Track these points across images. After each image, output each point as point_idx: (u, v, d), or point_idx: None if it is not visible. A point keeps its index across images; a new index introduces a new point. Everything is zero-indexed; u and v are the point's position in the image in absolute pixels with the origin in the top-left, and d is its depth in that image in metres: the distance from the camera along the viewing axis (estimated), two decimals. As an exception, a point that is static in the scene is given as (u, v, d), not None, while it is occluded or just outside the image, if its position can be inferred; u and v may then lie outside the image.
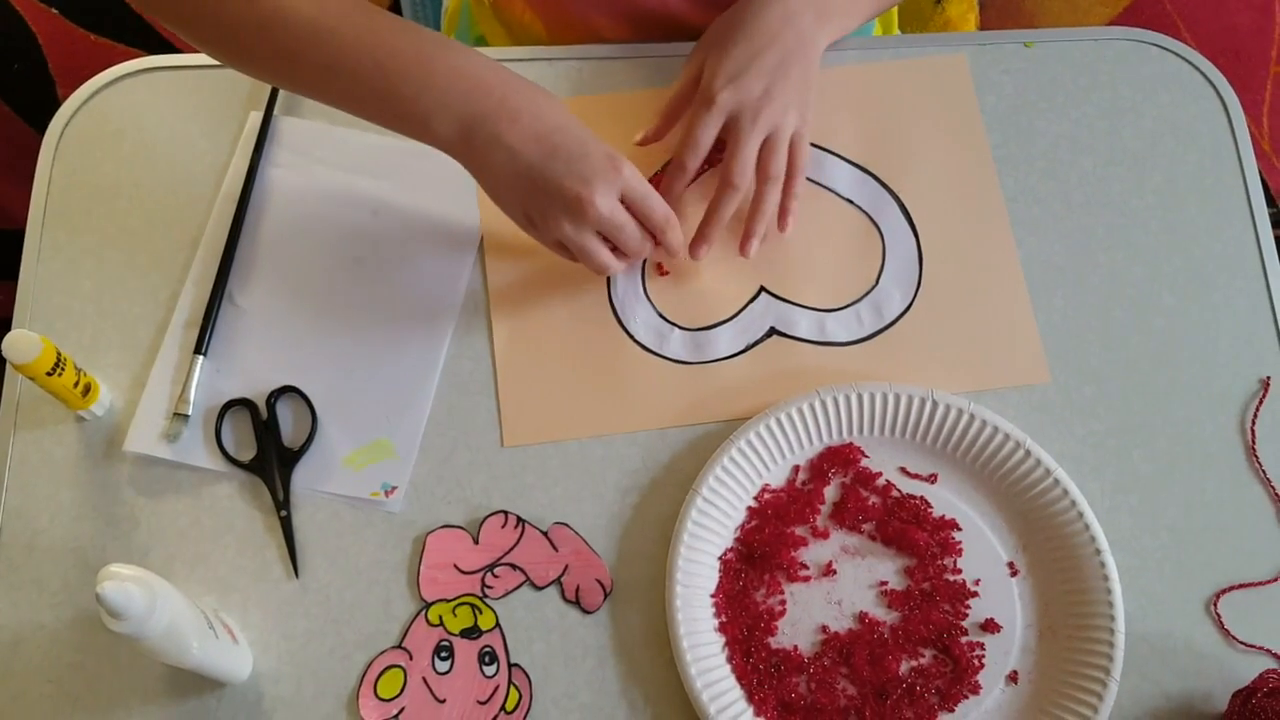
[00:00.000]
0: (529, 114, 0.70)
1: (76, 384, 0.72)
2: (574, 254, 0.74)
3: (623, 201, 0.72)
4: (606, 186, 0.70)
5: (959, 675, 0.73)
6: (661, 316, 0.81)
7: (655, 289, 0.82)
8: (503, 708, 0.71)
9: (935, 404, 0.77)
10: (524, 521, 0.75)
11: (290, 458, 0.75)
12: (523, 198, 0.72)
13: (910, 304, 0.82)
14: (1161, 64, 0.91)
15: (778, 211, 0.81)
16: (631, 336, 0.80)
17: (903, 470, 0.78)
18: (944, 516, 0.77)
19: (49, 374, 0.69)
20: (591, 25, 0.91)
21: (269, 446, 0.76)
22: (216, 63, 0.86)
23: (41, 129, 0.84)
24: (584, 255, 0.74)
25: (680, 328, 0.81)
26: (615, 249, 0.75)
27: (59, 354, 0.70)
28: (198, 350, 0.77)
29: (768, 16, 0.79)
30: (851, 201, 0.85)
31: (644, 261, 0.83)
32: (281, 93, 0.85)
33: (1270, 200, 1.56)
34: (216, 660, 0.66)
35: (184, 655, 0.62)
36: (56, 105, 0.85)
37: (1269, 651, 0.75)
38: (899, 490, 0.77)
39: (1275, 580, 0.77)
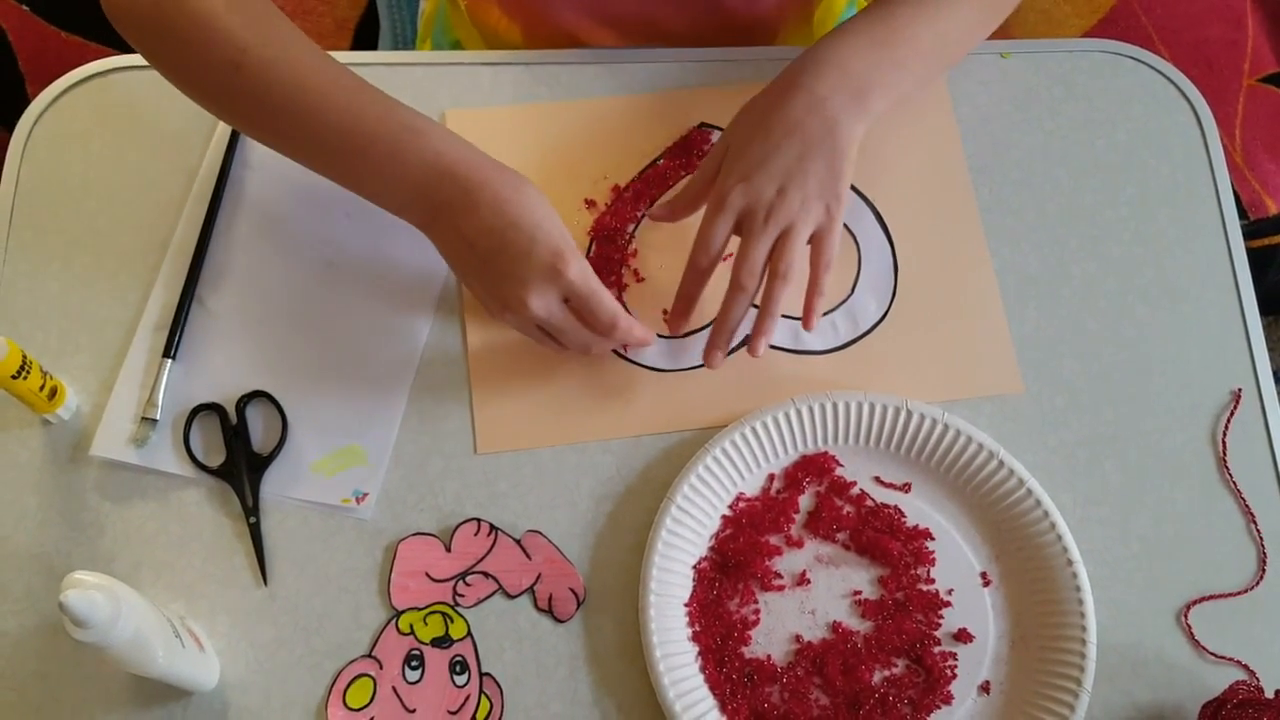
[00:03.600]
0: (488, 206, 0.70)
1: (42, 387, 0.71)
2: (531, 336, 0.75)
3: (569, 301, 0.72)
4: (543, 289, 0.70)
5: (931, 685, 0.73)
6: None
7: (632, 296, 0.82)
8: (474, 717, 0.71)
9: (910, 413, 0.77)
10: (497, 529, 0.75)
11: (260, 463, 0.75)
12: (474, 285, 0.74)
13: (885, 313, 0.82)
14: (1136, 76, 0.91)
15: (804, 308, 0.75)
16: (607, 343, 0.80)
17: (877, 479, 0.78)
18: (917, 526, 0.77)
19: (14, 377, 0.68)
20: (569, 31, 0.91)
21: (238, 452, 0.75)
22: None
23: (10, 127, 0.82)
24: (534, 339, 0.75)
25: (656, 335, 0.81)
26: None
27: (25, 356, 0.69)
28: (166, 354, 0.76)
29: (791, 105, 0.74)
30: (828, 210, 0.85)
31: (620, 267, 0.82)
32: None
33: (1242, 213, 1.57)
34: (182, 669, 0.65)
35: (149, 664, 0.61)
36: (25, 103, 0.83)
37: (1239, 663, 0.76)
38: (873, 499, 0.77)
39: (1245, 591, 0.77)
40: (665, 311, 0.81)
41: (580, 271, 0.70)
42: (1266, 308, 0.86)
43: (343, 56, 0.86)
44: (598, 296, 0.71)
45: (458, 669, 0.72)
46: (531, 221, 0.70)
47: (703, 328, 0.81)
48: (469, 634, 0.73)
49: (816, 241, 0.75)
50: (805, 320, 0.75)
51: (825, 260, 0.75)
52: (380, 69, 0.86)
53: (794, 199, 0.73)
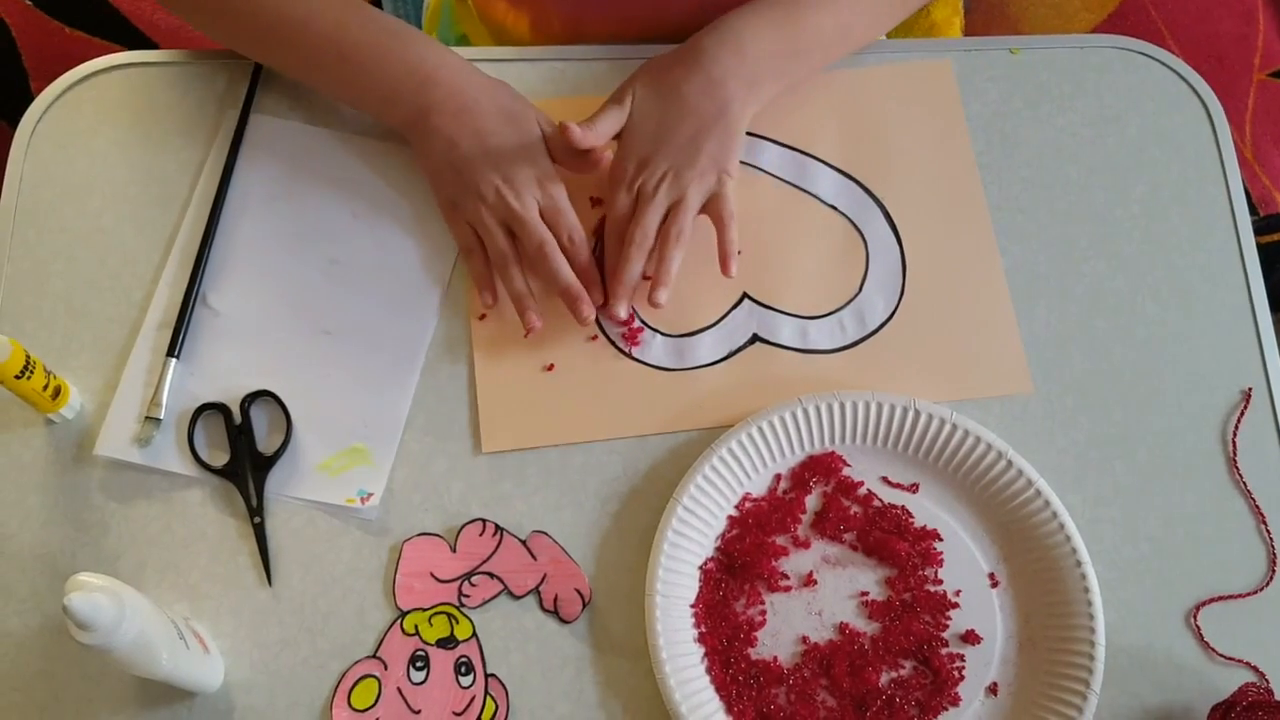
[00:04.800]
0: (472, 112, 0.77)
1: (46, 387, 0.71)
2: (480, 236, 0.78)
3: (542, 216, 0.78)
4: (525, 192, 0.77)
5: (939, 687, 0.73)
6: (643, 322, 0.80)
7: (637, 294, 0.81)
8: (479, 719, 0.70)
9: (917, 413, 0.76)
10: (502, 530, 0.74)
11: (264, 463, 0.74)
12: (451, 183, 0.78)
13: (893, 312, 0.82)
14: (1146, 72, 0.90)
15: (719, 257, 0.78)
16: (613, 342, 0.80)
17: (884, 480, 0.77)
18: (925, 527, 0.76)
19: (18, 377, 0.68)
20: (576, 23, 0.90)
21: (242, 451, 0.74)
22: (193, 60, 0.85)
23: (13, 124, 0.82)
24: (488, 238, 0.78)
25: (662, 334, 0.80)
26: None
27: (28, 356, 0.69)
28: (170, 353, 0.76)
29: (689, 85, 0.78)
30: (835, 208, 0.84)
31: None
32: (259, 92, 0.83)
33: (1252, 208, 1.56)
34: (187, 671, 0.65)
35: (154, 666, 0.61)
36: (29, 99, 0.83)
37: (1248, 664, 0.75)
38: (880, 500, 0.77)
39: (1256, 592, 0.77)
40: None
41: (561, 193, 0.78)
42: (1276, 303, 0.86)
43: (347, 53, 0.85)
44: (569, 215, 0.78)
45: (463, 670, 0.72)
46: (519, 131, 0.78)
47: (706, 328, 0.80)
48: (474, 635, 0.72)
49: (713, 204, 0.78)
50: (723, 266, 0.78)
51: (725, 214, 0.78)
52: (385, 66, 0.85)
53: (686, 175, 0.77)
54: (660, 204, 0.77)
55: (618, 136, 0.80)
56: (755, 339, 0.81)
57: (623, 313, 0.77)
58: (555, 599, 0.73)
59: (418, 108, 0.77)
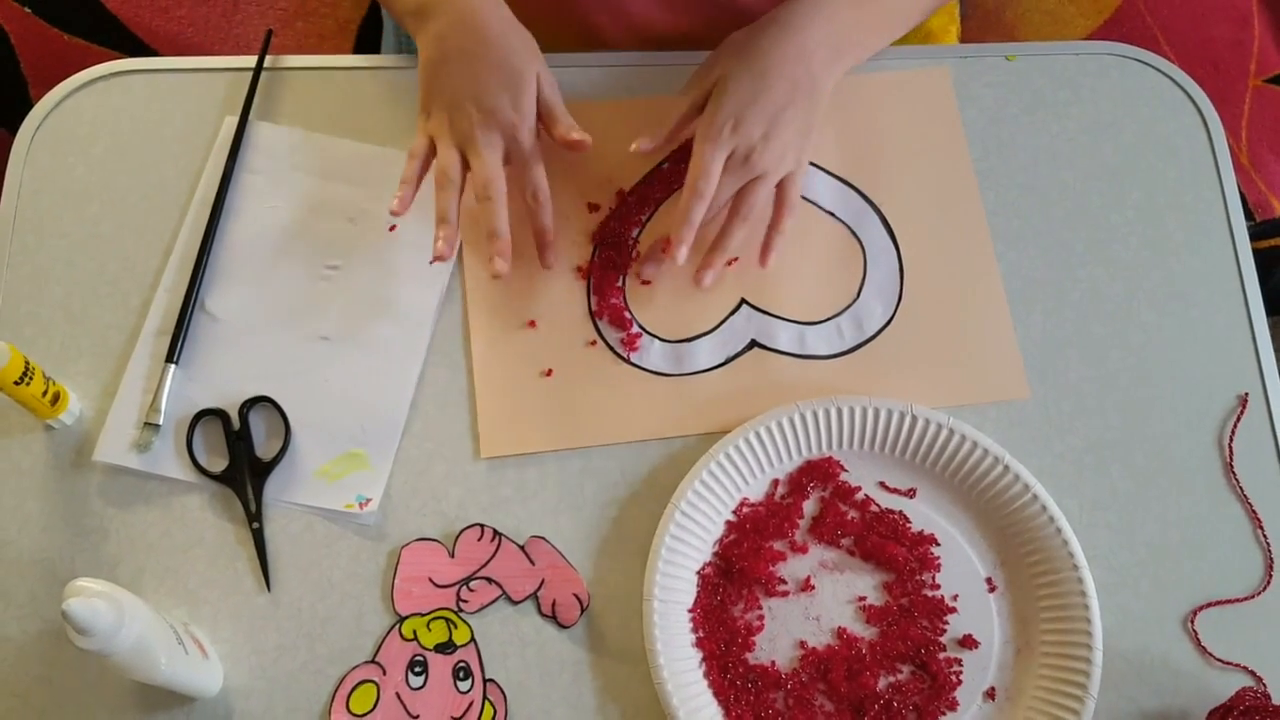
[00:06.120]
0: (476, 39, 0.76)
1: (45, 393, 0.71)
2: (437, 150, 0.77)
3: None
4: (494, 130, 0.76)
5: (936, 691, 0.73)
6: (641, 328, 0.80)
7: (635, 300, 0.81)
8: (477, 724, 0.71)
9: (915, 418, 0.77)
10: (500, 535, 0.75)
11: (263, 469, 0.74)
12: (429, 87, 0.78)
13: (891, 318, 0.82)
14: (1142, 79, 0.91)
15: (759, 248, 0.80)
16: (611, 348, 0.80)
17: (882, 485, 0.78)
18: (923, 531, 0.76)
19: (17, 383, 0.68)
20: (590, 31, 0.90)
21: (241, 457, 0.75)
22: (192, 67, 0.85)
23: (13, 130, 0.82)
24: (442, 152, 0.77)
25: (660, 339, 0.80)
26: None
27: (27, 362, 0.69)
28: (169, 358, 0.76)
29: (782, 50, 0.78)
30: (833, 214, 0.84)
31: (623, 271, 0.82)
32: (258, 98, 0.84)
33: (1249, 214, 1.56)
34: (186, 676, 0.65)
35: (152, 671, 0.61)
36: (29, 106, 0.83)
37: (1245, 669, 0.75)
38: (878, 505, 0.77)
39: (1252, 597, 0.77)
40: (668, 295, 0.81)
41: (530, 131, 0.77)
42: (1272, 308, 0.86)
43: (345, 59, 0.86)
44: (537, 166, 0.78)
45: (461, 675, 0.72)
46: (508, 67, 0.76)
47: (704, 333, 0.81)
48: (472, 640, 0.72)
49: (784, 185, 0.79)
50: (762, 257, 0.79)
51: (790, 204, 0.79)
52: (384, 72, 0.86)
53: (775, 147, 0.77)
54: (743, 177, 0.77)
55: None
56: (753, 344, 0.81)
57: (684, 256, 0.76)
58: (553, 604, 0.73)
59: (419, 4, 0.77)
